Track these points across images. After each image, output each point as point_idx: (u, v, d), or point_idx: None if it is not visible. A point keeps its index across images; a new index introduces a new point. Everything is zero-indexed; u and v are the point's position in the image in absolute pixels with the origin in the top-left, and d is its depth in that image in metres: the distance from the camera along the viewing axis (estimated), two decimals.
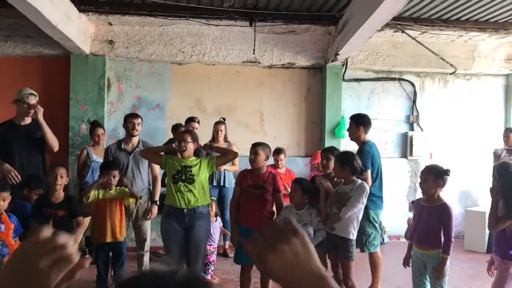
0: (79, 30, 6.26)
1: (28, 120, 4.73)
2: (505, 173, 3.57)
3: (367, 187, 4.03)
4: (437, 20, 6.67)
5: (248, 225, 4.23)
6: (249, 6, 6.28)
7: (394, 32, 6.87)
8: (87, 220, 4.78)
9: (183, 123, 6.29)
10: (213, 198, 5.44)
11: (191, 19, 6.46)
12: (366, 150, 4.81)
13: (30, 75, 6.85)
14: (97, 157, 5.87)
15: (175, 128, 6.21)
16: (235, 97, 7.34)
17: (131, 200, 4.61)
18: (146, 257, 5.06)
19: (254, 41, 6.81)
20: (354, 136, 5.06)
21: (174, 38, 6.96)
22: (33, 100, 4.65)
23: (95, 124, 6.17)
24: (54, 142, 4.76)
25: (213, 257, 5.30)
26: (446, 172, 3.66)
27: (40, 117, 4.61)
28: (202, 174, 4.23)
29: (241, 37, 7.02)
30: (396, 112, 7.73)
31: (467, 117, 7.81)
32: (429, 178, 3.69)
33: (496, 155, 6.72)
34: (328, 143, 7.20)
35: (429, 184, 3.69)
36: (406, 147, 7.69)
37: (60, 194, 4.22)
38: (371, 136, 7.37)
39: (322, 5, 6.28)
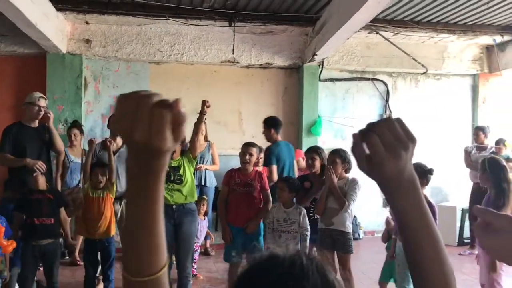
0: (57, 29, 6.18)
1: (37, 123, 4.92)
2: (496, 167, 3.78)
3: (359, 181, 4.17)
4: (410, 22, 6.91)
5: (238, 224, 4.31)
6: (228, 6, 6.34)
7: (369, 33, 7.07)
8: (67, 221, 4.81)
9: None
10: (205, 197, 5.49)
11: (170, 18, 6.47)
12: (271, 149, 5.40)
13: (4, 74, 6.70)
14: (75, 158, 5.82)
15: None
16: (213, 97, 7.28)
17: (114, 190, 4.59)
18: None
19: (234, 41, 6.88)
20: (267, 138, 5.68)
21: (152, 37, 6.94)
22: (43, 103, 4.85)
23: (71, 125, 6.11)
24: (61, 145, 5.14)
25: (196, 255, 5.34)
26: (430, 171, 3.84)
27: (51, 121, 4.93)
28: (188, 172, 4.27)
29: (220, 37, 7.07)
30: (370, 111, 7.94)
31: (437, 116, 8.10)
32: None
33: (467, 152, 7.01)
34: (306, 141, 7.36)
35: None
36: None
37: (43, 184, 4.25)
38: (347, 134, 7.60)
39: (300, 6, 6.41)
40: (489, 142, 7.04)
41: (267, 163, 5.27)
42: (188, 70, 7.31)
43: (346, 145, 7.75)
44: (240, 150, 4.84)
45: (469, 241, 7.18)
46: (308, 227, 4.16)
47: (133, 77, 7.16)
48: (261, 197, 4.39)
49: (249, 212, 4.32)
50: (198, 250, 5.45)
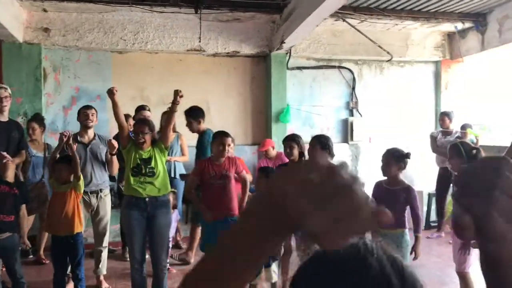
0: (12, 16, 5.84)
1: (6, 116, 4.67)
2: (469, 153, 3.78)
3: None
4: (376, 9, 6.94)
5: (215, 218, 4.21)
6: None
7: (335, 20, 7.05)
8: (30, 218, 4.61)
9: (129, 113, 6.07)
10: (174, 190, 5.34)
11: (134, 6, 6.24)
12: (205, 140, 5.29)
13: None
14: (37, 152, 5.57)
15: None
16: (179, 86, 7.04)
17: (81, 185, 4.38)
18: (105, 253, 4.92)
19: (200, 29, 6.72)
20: (193, 129, 5.66)
21: (114, 25, 6.69)
22: (4, 93, 4.56)
23: (30, 118, 5.83)
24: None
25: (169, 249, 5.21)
26: (407, 155, 3.86)
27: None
28: (160, 164, 4.15)
29: (185, 25, 6.89)
30: (337, 99, 7.97)
31: (402, 102, 8.22)
32: (391, 161, 3.86)
33: (433, 137, 7.15)
34: (275, 130, 7.32)
35: (391, 168, 3.86)
36: (346, 132, 7.97)
37: (11, 177, 4.06)
38: (315, 121, 7.61)
39: None
40: (454, 127, 7.19)
41: (201, 156, 5.21)
42: (153, 59, 7.10)
43: (314, 133, 7.79)
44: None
45: (435, 224, 7.36)
46: None
47: (95, 67, 6.89)
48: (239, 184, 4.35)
49: (229, 203, 4.26)
50: (170, 244, 5.32)
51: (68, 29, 6.52)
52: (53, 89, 6.70)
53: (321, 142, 4.13)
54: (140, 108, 6.03)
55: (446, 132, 7.07)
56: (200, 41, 6.83)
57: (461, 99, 8.20)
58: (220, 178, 4.26)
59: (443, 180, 6.94)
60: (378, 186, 4.08)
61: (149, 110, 6.10)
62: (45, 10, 6.33)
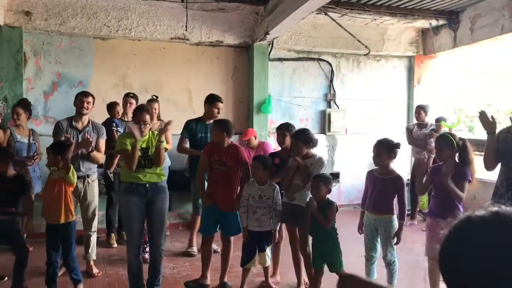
0: None
1: None
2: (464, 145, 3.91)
3: (325, 160, 4.31)
4: (357, 3, 7.14)
5: (214, 203, 4.42)
6: None
7: (317, 14, 7.20)
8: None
9: (114, 101, 6.07)
10: None
11: None
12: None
13: None
14: (22, 137, 5.47)
15: (112, 107, 5.94)
16: (162, 74, 7.20)
17: (72, 177, 4.35)
18: (94, 237, 4.92)
19: (187, 17, 6.73)
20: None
21: (98, 11, 6.61)
22: None
23: (16, 103, 5.71)
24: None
25: None
26: (397, 145, 4.05)
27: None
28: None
29: (169, 13, 6.89)
30: (316, 91, 8.16)
31: (376, 95, 8.50)
32: (382, 152, 4.05)
33: (409, 130, 7.44)
34: (256, 120, 7.44)
35: (382, 158, 4.05)
36: (324, 123, 8.18)
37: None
38: (294, 112, 7.77)
39: None
40: (429, 120, 7.50)
41: None
42: (136, 47, 7.06)
43: (293, 124, 7.95)
44: None
45: (409, 212, 7.67)
46: (281, 203, 4.26)
47: (77, 53, 6.79)
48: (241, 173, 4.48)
49: (226, 193, 4.41)
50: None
51: (51, 13, 6.40)
52: (34, 74, 6.57)
53: (303, 139, 4.24)
54: (128, 95, 6.03)
55: (422, 125, 7.37)
56: (186, 30, 6.84)
57: (432, 93, 8.55)
58: (220, 165, 4.37)
59: (417, 170, 7.22)
60: (370, 174, 4.26)
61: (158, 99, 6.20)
62: None
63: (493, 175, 4.06)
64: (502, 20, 6.87)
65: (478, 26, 7.37)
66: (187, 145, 5.56)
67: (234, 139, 7.40)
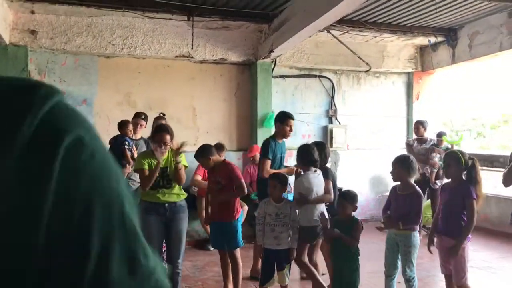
0: (0, 17, 5.68)
1: None
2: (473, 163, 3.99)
3: None
4: (358, 21, 7.25)
5: (213, 219, 4.68)
6: (189, 0, 6.24)
7: (319, 31, 7.29)
8: None
9: (126, 119, 6.04)
10: None
11: (126, 10, 6.22)
12: (267, 142, 5.15)
13: None
14: None
15: (124, 125, 5.89)
16: (166, 92, 7.22)
17: None
18: None
19: (192, 36, 6.77)
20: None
21: (103, 30, 6.63)
22: None
23: None
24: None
25: None
26: (412, 161, 4.12)
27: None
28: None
29: (174, 31, 6.93)
30: (317, 107, 8.24)
31: (376, 111, 8.60)
32: (399, 168, 4.10)
33: (409, 145, 7.53)
34: (260, 136, 7.42)
35: (400, 174, 4.09)
36: (326, 139, 8.23)
37: None
38: (297, 129, 7.82)
39: (258, 3, 6.45)
40: (428, 135, 7.60)
41: (261, 156, 5.15)
42: (140, 65, 7.08)
43: (296, 140, 7.99)
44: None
45: None
46: (297, 219, 4.28)
47: (81, 71, 6.79)
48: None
49: (221, 205, 4.57)
50: None
51: (56, 32, 6.40)
52: None
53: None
54: (139, 116, 6.04)
55: (421, 140, 7.46)
56: (192, 48, 6.89)
57: (430, 109, 8.68)
58: (216, 184, 4.46)
59: (419, 185, 7.29)
60: (392, 190, 4.29)
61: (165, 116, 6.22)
62: (32, 12, 6.19)
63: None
64: (500, 37, 7.02)
65: (476, 43, 7.53)
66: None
67: (238, 155, 7.49)
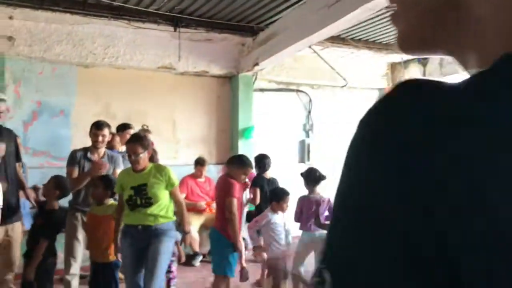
0: None
1: None
2: None
3: None
4: (337, 37, 7.41)
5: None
6: (176, 11, 6.15)
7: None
8: None
9: (113, 132, 5.80)
10: None
11: (112, 19, 6.05)
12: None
13: None
14: None
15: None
16: (147, 104, 7.04)
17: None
18: None
19: (179, 46, 6.68)
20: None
21: (84, 38, 6.40)
22: (3, 106, 3.99)
23: None
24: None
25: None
26: None
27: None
28: (160, 193, 3.74)
29: (157, 42, 6.79)
30: (295, 121, 8.31)
31: (350, 125, 8.77)
32: None
33: None
34: (241, 149, 7.38)
35: None
36: (304, 153, 8.31)
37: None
38: (275, 142, 7.84)
39: (245, 17, 6.46)
40: None
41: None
42: (120, 75, 6.87)
43: (274, 153, 7.99)
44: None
45: None
46: None
47: (58, 80, 6.50)
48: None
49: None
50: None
51: (35, 39, 6.11)
52: (13, 102, 6.17)
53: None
54: (124, 127, 5.77)
55: None
56: (179, 60, 6.78)
57: None
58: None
59: None
60: None
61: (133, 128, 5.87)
62: (10, 18, 5.89)
63: None
64: None
65: (447, 61, 7.87)
66: None
67: (218, 168, 7.39)
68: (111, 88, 6.82)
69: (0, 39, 5.93)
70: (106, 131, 4.49)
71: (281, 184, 5.86)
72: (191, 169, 6.75)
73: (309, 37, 5.49)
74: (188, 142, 7.36)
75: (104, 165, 4.36)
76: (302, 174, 4.91)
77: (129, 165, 4.04)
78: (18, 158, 4.19)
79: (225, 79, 7.64)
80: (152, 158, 4.26)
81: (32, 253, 3.66)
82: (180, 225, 4.13)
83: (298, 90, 8.32)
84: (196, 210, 6.45)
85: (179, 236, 5.26)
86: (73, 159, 4.43)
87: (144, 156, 3.76)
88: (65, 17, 5.97)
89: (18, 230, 4.00)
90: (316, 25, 5.28)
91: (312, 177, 4.85)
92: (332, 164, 8.40)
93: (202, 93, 7.50)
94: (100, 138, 4.42)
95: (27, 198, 4.59)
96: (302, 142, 8.34)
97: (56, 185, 4.00)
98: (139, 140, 3.82)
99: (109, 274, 3.84)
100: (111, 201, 4.01)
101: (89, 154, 4.49)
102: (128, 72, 6.91)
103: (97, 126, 4.48)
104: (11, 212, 3.84)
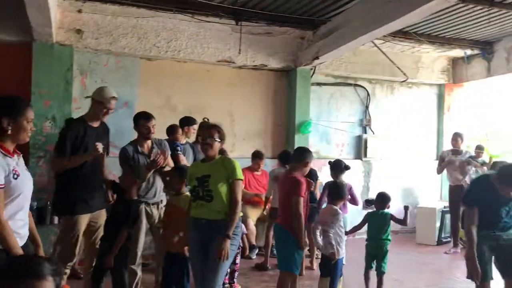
0: (52, 15, 5.54)
1: (98, 123, 4.20)
2: None
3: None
4: (400, 31, 7.20)
5: None
6: (238, 4, 6.16)
7: None
8: None
9: (175, 124, 5.87)
10: None
11: (177, 12, 6.12)
12: None
13: None
14: None
15: (173, 130, 5.71)
16: (206, 97, 7.12)
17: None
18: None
19: (240, 40, 6.71)
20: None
21: (148, 32, 6.52)
22: (114, 105, 4.15)
23: None
24: None
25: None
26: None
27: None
28: (220, 187, 3.53)
29: (218, 36, 6.85)
30: (352, 116, 8.19)
31: (408, 121, 8.58)
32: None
33: (442, 158, 7.50)
34: (297, 143, 7.30)
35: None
36: (360, 149, 8.18)
37: None
38: (331, 137, 7.74)
39: (307, 10, 6.38)
40: (463, 147, 7.57)
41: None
42: (181, 68, 6.98)
43: (330, 148, 7.91)
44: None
45: (446, 240, 7.65)
46: None
47: (122, 72, 6.67)
48: None
49: None
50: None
51: (102, 32, 6.27)
52: (79, 93, 6.37)
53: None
54: (192, 122, 5.84)
55: (457, 152, 7.42)
56: (240, 53, 6.81)
57: (461, 121, 8.68)
58: None
59: (454, 196, 7.23)
60: None
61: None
62: (79, 11, 6.07)
63: None
64: None
65: None
66: None
67: (272, 162, 7.35)
68: (172, 81, 6.93)
69: (69, 32, 6.13)
70: (154, 121, 4.48)
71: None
72: (247, 162, 6.75)
73: (374, 31, 5.38)
74: (244, 136, 7.39)
75: (161, 155, 4.36)
76: (329, 163, 5.50)
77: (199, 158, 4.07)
78: (107, 151, 4.32)
79: (282, 73, 7.62)
80: (223, 153, 4.25)
81: (110, 239, 3.76)
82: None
83: (356, 85, 8.19)
84: (253, 202, 6.48)
85: (244, 229, 5.31)
86: (127, 157, 4.36)
87: (218, 144, 3.66)
88: (131, 10, 6.08)
89: (103, 217, 4.19)
90: (382, 18, 5.16)
91: (339, 167, 5.44)
92: (387, 162, 8.29)
93: (260, 87, 7.51)
94: (152, 129, 4.44)
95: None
96: (359, 138, 8.21)
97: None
98: (217, 127, 3.73)
99: (182, 265, 3.89)
100: (187, 192, 4.01)
101: (139, 148, 4.47)
102: (188, 66, 7.00)
103: (146, 118, 4.44)
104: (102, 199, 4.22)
